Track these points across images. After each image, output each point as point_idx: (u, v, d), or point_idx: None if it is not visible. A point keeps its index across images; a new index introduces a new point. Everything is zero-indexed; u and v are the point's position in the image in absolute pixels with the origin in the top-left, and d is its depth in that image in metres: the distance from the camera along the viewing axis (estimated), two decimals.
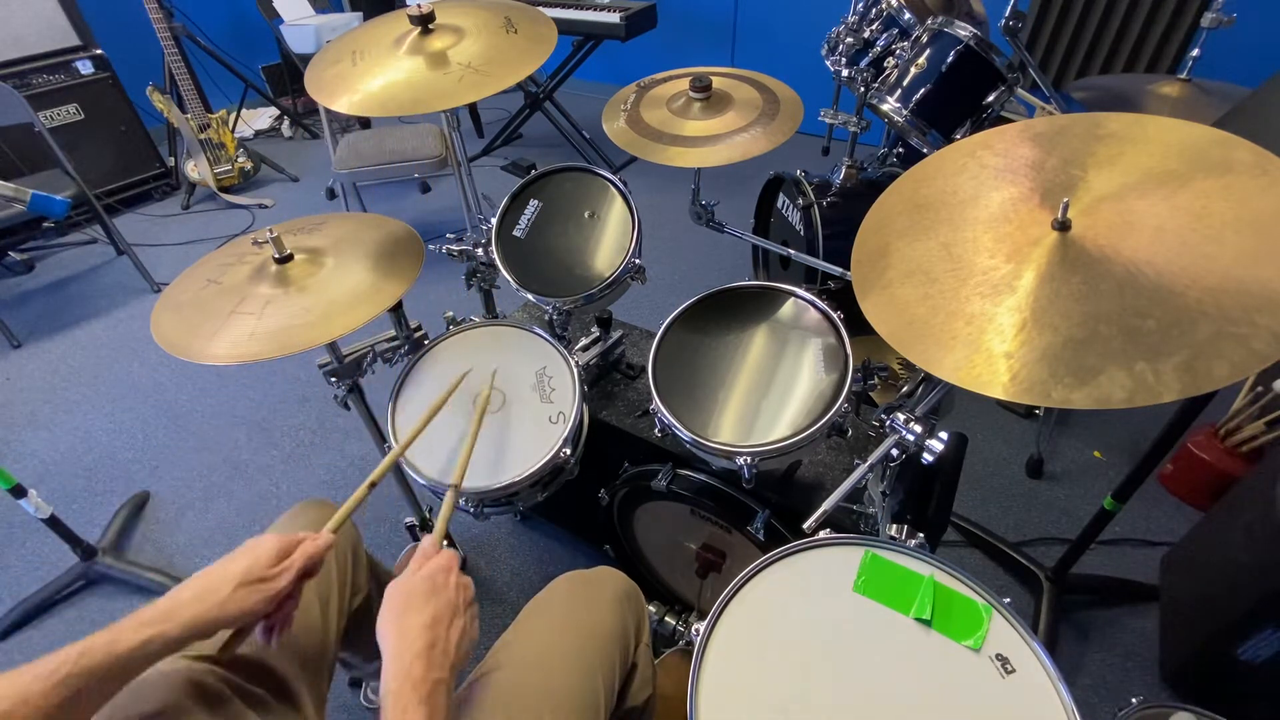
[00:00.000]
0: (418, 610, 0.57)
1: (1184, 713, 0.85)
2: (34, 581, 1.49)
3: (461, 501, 0.94)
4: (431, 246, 1.12)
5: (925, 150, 1.31)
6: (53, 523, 1.39)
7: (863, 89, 1.54)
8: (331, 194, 3.08)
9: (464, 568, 1.46)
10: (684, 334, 0.97)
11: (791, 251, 1.38)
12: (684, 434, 0.87)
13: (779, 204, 1.88)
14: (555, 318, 1.14)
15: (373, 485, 0.74)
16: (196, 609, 0.56)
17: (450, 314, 1.13)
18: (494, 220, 1.12)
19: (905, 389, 0.86)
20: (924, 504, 0.91)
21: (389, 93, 0.95)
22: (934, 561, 0.71)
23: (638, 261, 1.07)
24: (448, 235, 1.21)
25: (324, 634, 0.79)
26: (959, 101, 1.28)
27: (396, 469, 1.19)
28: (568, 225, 1.11)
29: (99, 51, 2.78)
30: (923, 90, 1.29)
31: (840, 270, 1.26)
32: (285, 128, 3.76)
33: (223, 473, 1.77)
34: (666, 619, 1.19)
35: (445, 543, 0.71)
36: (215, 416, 1.95)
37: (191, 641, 0.56)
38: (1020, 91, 1.55)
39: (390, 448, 0.95)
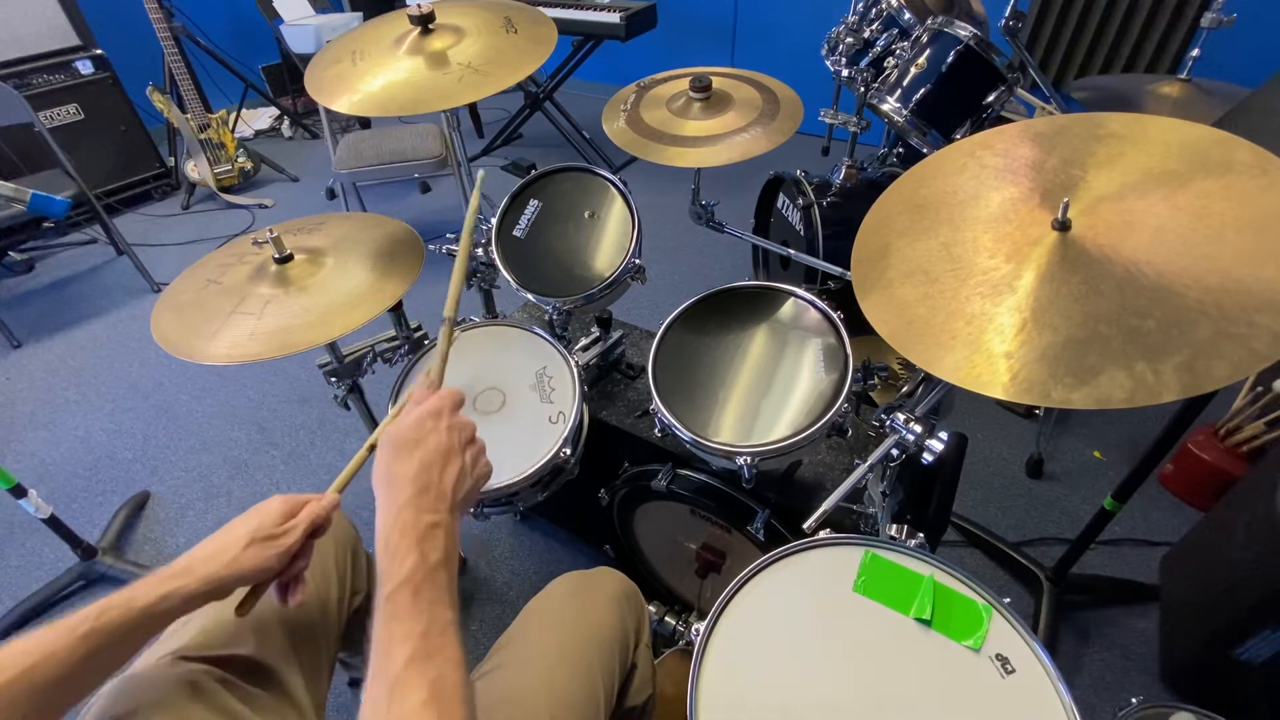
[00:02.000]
0: (403, 460, 0.55)
1: (1184, 713, 0.85)
2: (34, 581, 1.49)
3: None
4: (431, 246, 1.12)
5: (925, 150, 1.31)
6: (53, 523, 1.39)
7: (863, 89, 1.54)
8: (331, 194, 3.08)
9: (463, 569, 1.47)
10: (684, 334, 0.97)
11: (791, 251, 1.38)
12: (684, 434, 0.87)
13: (779, 204, 1.88)
14: (555, 318, 1.14)
15: (372, 448, 0.70)
16: (211, 566, 0.57)
17: None
18: (494, 220, 1.12)
19: (905, 389, 0.86)
20: (924, 504, 0.91)
21: (389, 93, 0.95)
22: (934, 561, 0.71)
23: (638, 261, 1.07)
24: (448, 235, 1.20)
25: (323, 634, 0.79)
26: (959, 101, 1.28)
27: None
28: (568, 225, 1.11)
29: (99, 51, 2.78)
30: (923, 90, 1.29)
31: (840, 270, 1.26)
32: (285, 128, 3.76)
33: (223, 473, 1.77)
34: (666, 619, 1.19)
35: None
36: (215, 416, 1.95)
37: (208, 599, 0.57)
38: (1020, 91, 1.55)
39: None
